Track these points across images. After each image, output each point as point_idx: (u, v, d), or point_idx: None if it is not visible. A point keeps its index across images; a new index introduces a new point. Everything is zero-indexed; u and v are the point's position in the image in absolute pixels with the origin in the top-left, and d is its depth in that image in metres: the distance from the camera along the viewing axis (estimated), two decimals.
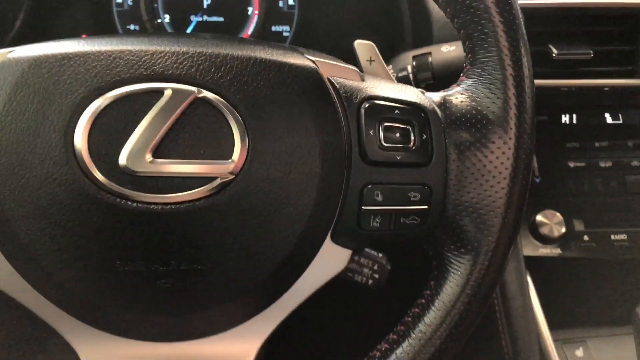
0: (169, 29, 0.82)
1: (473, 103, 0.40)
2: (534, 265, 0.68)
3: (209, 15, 0.81)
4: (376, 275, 0.49)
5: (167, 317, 0.37)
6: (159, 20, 0.81)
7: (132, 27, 0.81)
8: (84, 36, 0.41)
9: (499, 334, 0.62)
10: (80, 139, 0.34)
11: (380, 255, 0.49)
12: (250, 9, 0.82)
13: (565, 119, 0.72)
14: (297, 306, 0.41)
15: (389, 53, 0.63)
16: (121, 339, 0.38)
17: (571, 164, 0.71)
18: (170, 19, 0.81)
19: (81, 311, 0.37)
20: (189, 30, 0.82)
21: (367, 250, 0.49)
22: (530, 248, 0.68)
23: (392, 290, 0.54)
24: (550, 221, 0.68)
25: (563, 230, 0.68)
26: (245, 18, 0.82)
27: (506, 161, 0.39)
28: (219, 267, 0.36)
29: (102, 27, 0.79)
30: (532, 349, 0.61)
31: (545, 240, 0.68)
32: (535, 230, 0.68)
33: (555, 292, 0.71)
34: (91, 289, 0.36)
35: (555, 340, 0.66)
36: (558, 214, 0.68)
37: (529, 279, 0.66)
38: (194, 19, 0.81)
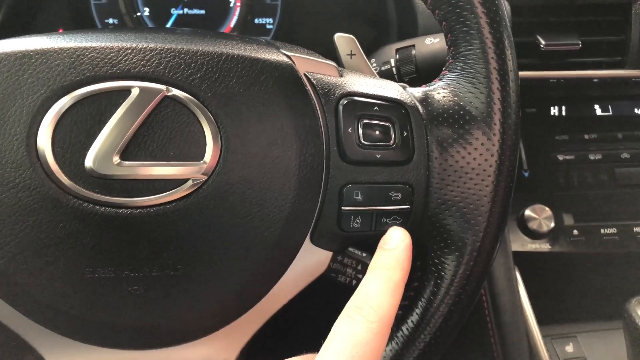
0: (149, 23, 0.80)
1: (455, 98, 0.39)
2: (523, 260, 0.67)
3: (190, 7, 0.79)
4: (360, 276, 0.48)
5: (139, 324, 0.36)
6: (138, 14, 0.79)
7: (110, 21, 0.79)
8: (60, 31, 0.39)
9: (488, 330, 0.61)
10: (43, 142, 0.32)
11: (364, 254, 0.48)
12: (232, 1, 0.80)
13: (554, 111, 0.71)
14: (276, 311, 0.39)
15: (374, 46, 0.61)
16: (91, 347, 0.37)
17: (560, 157, 0.70)
18: (150, 12, 0.79)
19: (49, 319, 0.36)
20: (169, 24, 0.80)
21: (350, 249, 0.48)
22: (519, 243, 0.67)
23: None
24: (539, 216, 0.67)
25: (552, 224, 0.67)
26: (227, 10, 0.80)
27: (490, 158, 0.38)
28: (192, 272, 0.35)
29: (81, 22, 0.77)
30: (521, 345, 0.61)
31: (534, 235, 0.67)
32: (524, 225, 0.67)
33: (544, 288, 0.70)
34: (59, 296, 0.34)
35: (545, 336, 0.65)
36: (547, 209, 0.67)
37: (517, 275, 0.65)
38: (175, 12, 0.79)
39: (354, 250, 0.48)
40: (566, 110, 0.72)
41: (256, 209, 0.34)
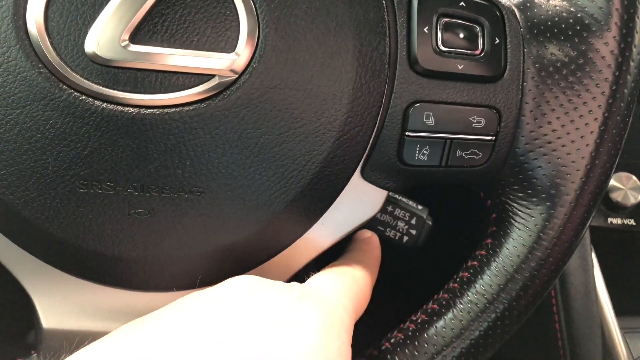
0: None
1: (564, 3, 0.31)
2: (601, 237, 0.58)
3: None
4: (413, 232, 0.40)
5: (140, 258, 0.30)
6: None
7: None
8: None
9: (553, 314, 0.53)
10: (35, 14, 0.26)
11: (420, 207, 0.40)
12: None
13: None
14: (312, 259, 0.33)
15: None
16: (82, 282, 0.31)
17: None
18: None
19: (33, 243, 0.30)
20: None
21: (403, 199, 0.40)
22: (598, 217, 0.58)
23: (432, 250, 0.45)
24: (625, 186, 0.58)
25: None
26: None
27: (603, 83, 0.31)
28: (211, 198, 0.28)
29: None
30: (594, 336, 0.52)
31: (617, 208, 0.58)
32: (605, 196, 0.57)
33: (623, 272, 0.61)
34: (44, 213, 0.28)
35: (620, 329, 0.56)
36: (635, 178, 0.58)
37: (593, 255, 0.56)
38: None
39: (407, 200, 0.40)
40: None
41: (297, 124, 0.28)
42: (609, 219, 0.58)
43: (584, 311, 0.52)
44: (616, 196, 0.57)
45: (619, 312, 0.58)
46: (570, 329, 0.52)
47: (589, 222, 0.33)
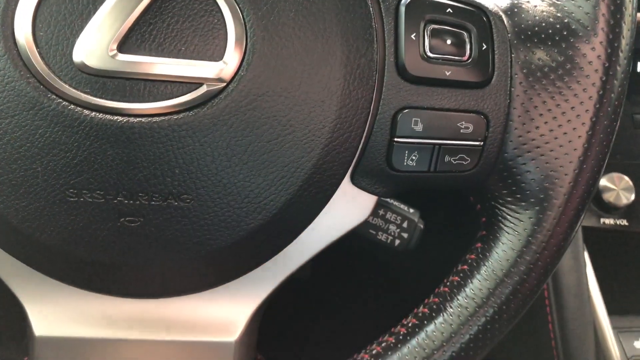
0: None
1: (551, 8, 0.31)
2: (593, 237, 0.58)
3: None
4: (405, 235, 0.40)
5: (131, 266, 0.30)
6: None
7: None
8: None
9: (546, 315, 0.53)
10: (23, 24, 0.26)
11: (411, 210, 0.40)
12: None
13: None
14: (303, 264, 0.33)
15: None
16: (76, 290, 0.31)
17: None
18: None
19: (24, 251, 0.30)
20: None
21: (394, 203, 0.40)
22: (591, 217, 0.58)
23: (423, 254, 0.45)
24: (617, 186, 0.58)
25: (632, 197, 0.58)
26: None
27: (591, 88, 0.31)
28: (200, 205, 0.28)
29: None
30: (586, 336, 0.52)
31: (609, 208, 0.58)
32: (597, 196, 0.58)
33: (616, 272, 0.61)
34: (35, 222, 0.28)
35: (613, 328, 0.56)
36: (626, 178, 0.59)
37: (585, 254, 0.56)
38: None
39: (399, 204, 0.40)
40: None
41: (286, 131, 0.28)
42: (602, 220, 0.59)
43: (577, 311, 0.53)
44: (608, 197, 0.57)
45: (612, 311, 0.58)
46: (563, 328, 0.53)
47: (578, 225, 0.33)
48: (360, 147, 0.30)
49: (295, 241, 0.32)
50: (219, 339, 0.33)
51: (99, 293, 0.31)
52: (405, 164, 0.31)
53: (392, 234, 0.40)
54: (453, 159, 0.31)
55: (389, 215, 0.40)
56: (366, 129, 0.30)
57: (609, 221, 0.58)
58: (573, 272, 0.54)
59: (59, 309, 0.32)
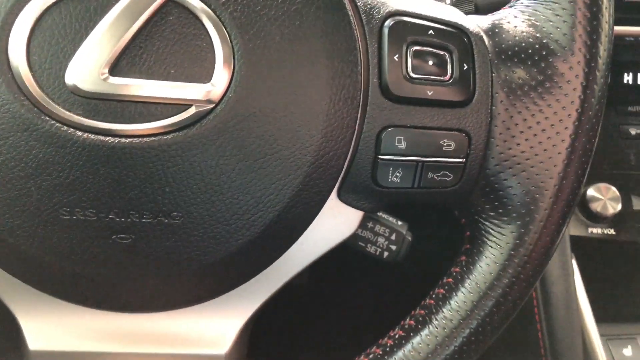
0: None
1: (530, 29, 0.32)
2: (581, 247, 0.59)
3: None
4: (393, 247, 0.41)
5: (124, 281, 0.30)
6: None
7: None
8: None
9: (536, 323, 0.54)
10: (17, 48, 0.27)
11: (399, 222, 0.41)
12: None
13: (627, 78, 0.62)
14: (290, 279, 0.34)
15: None
16: (70, 305, 0.32)
17: (632, 131, 0.61)
18: None
19: (18, 266, 0.30)
20: None
21: (383, 215, 0.41)
22: (578, 227, 0.59)
23: (411, 266, 0.46)
24: (604, 196, 0.59)
25: (619, 207, 0.59)
26: None
27: (569, 106, 0.31)
28: (191, 222, 0.29)
29: None
30: (575, 344, 0.53)
31: (597, 218, 0.59)
32: (585, 206, 0.59)
33: (603, 281, 0.62)
34: (29, 239, 0.29)
35: (600, 336, 0.56)
36: (613, 189, 0.59)
37: (574, 263, 0.57)
38: None
39: (387, 216, 0.41)
40: None
41: (273, 150, 0.29)
42: (590, 229, 0.59)
43: (565, 319, 0.53)
44: (596, 206, 0.58)
45: (600, 319, 0.58)
46: (552, 336, 0.53)
47: (560, 238, 0.33)
48: (346, 164, 0.31)
49: (283, 256, 0.32)
50: (209, 352, 0.33)
51: (92, 308, 0.32)
52: (389, 180, 0.31)
53: (381, 246, 0.41)
54: (436, 176, 0.32)
55: (377, 227, 0.41)
56: (351, 147, 0.31)
57: (596, 230, 0.59)
58: (561, 281, 0.54)
59: (52, 324, 0.32)
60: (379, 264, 0.42)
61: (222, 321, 0.33)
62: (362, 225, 0.35)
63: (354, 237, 0.37)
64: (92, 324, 0.32)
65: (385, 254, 0.41)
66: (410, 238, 0.41)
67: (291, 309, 0.60)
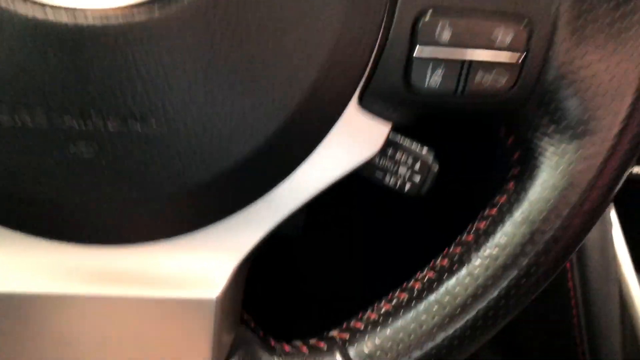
0: None
1: None
2: (620, 191, 0.54)
3: None
4: (417, 178, 0.35)
5: (87, 206, 0.25)
6: None
7: None
8: None
9: (566, 272, 0.49)
10: None
11: (424, 149, 0.35)
12: None
13: None
14: (295, 210, 0.29)
15: None
16: (21, 236, 0.26)
17: None
18: None
19: None
20: None
21: (406, 140, 0.35)
22: None
23: (438, 200, 0.40)
24: None
25: None
26: None
27: None
28: (171, 131, 0.24)
29: None
30: (611, 294, 0.48)
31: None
32: None
33: None
34: None
35: None
36: None
37: (612, 212, 0.52)
38: None
39: (410, 141, 0.35)
40: None
41: (276, 36, 0.23)
42: (634, 168, 0.54)
43: (601, 268, 0.49)
44: None
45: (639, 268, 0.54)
46: (585, 286, 0.49)
47: (629, 168, 0.29)
48: (371, 60, 0.25)
49: (287, 179, 0.27)
50: (196, 295, 0.28)
51: (49, 239, 0.26)
52: (427, 83, 0.26)
53: (403, 177, 0.35)
54: (487, 77, 0.26)
55: (398, 155, 0.35)
56: (379, 36, 0.25)
57: (637, 170, 0.54)
58: (597, 226, 0.50)
59: (4, 260, 0.27)
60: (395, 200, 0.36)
61: (212, 259, 0.28)
62: (383, 148, 0.30)
63: (370, 166, 0.31)
64: (51, 260, 0.27)
65: (407, 185, 0.36)
66: (437, 168, 0.35)
67: (291, 259, 0.55)
